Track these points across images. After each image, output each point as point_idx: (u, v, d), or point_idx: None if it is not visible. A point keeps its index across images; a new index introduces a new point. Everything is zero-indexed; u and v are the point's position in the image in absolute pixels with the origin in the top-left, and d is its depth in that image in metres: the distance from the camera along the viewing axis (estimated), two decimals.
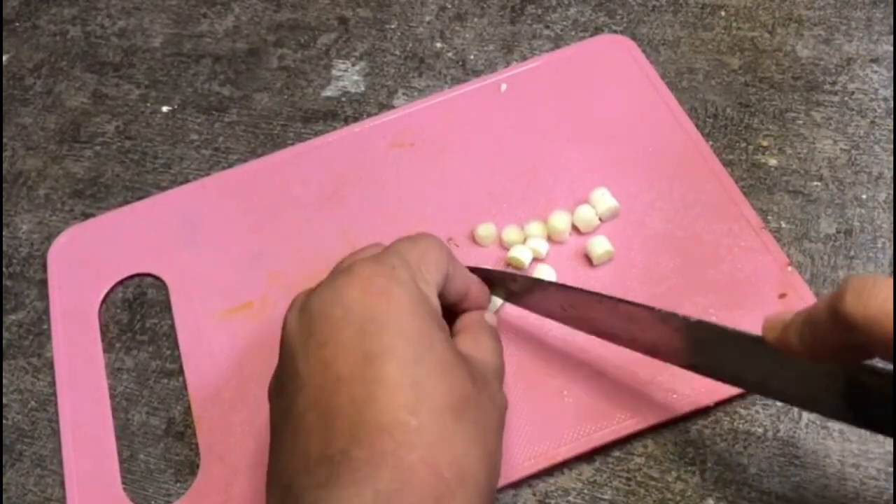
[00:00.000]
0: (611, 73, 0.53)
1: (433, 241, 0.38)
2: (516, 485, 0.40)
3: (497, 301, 0.44)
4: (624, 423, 0.40)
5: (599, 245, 0.45)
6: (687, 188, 0.47)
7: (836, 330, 0.28)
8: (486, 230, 0.47)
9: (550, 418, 0.41)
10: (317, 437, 0.31)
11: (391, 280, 0.34)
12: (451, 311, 0.40)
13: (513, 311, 0.44)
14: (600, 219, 0.47)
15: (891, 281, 0.26)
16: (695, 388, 0.40)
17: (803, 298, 0.43)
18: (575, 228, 0.47)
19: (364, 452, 0.30)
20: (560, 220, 0.46)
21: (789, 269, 0.44)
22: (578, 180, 0.49)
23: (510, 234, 0.47)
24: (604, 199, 0.46)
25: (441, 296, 0.38)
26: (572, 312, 0.41)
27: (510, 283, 0.42)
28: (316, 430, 0.31)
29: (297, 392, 0.33)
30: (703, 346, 0.37)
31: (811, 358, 0.31)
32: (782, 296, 0.43)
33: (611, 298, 0.39)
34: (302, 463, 0.31)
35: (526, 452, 0.40)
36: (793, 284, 0.43)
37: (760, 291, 0.43)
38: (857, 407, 0.32)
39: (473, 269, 0.42)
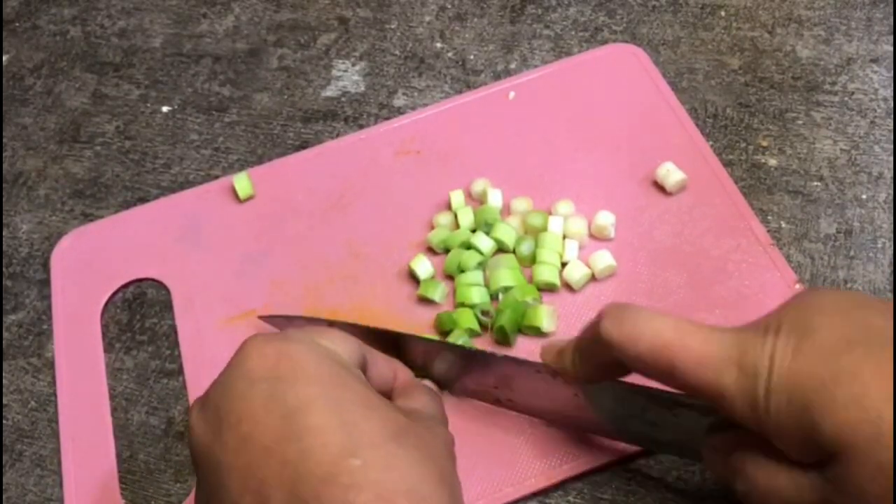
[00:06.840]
0: (621, 83, 0.52)
1: (338, 330, 0.36)
2: None
3: None
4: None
5: (601, 259, 0.44)
6: (696, 202, 0.47)
7: (599, 349, 0.33)
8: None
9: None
10: None
11: (285, 341, 0.32)
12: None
13: None
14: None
15: (641, 309, 0.32)
16: None
17: None
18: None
19: None
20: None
21: (797, 286, 0.43)
22: (586, 191, 0.48)
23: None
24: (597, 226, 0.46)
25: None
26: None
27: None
28: None
29: (227, 482, 0.30)
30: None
31: (582, 379, 0.36)
32: None
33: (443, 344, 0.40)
34: None
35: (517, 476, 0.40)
36: None
37: (767, 309, 0.41)
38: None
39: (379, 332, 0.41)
